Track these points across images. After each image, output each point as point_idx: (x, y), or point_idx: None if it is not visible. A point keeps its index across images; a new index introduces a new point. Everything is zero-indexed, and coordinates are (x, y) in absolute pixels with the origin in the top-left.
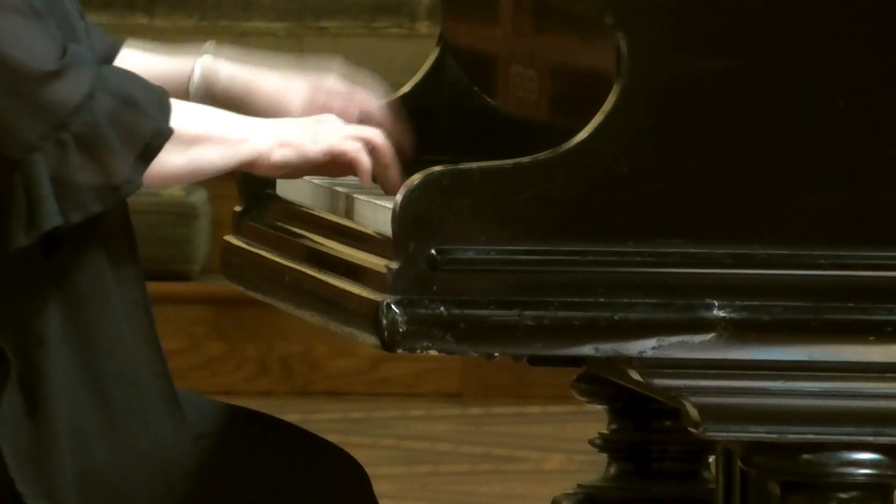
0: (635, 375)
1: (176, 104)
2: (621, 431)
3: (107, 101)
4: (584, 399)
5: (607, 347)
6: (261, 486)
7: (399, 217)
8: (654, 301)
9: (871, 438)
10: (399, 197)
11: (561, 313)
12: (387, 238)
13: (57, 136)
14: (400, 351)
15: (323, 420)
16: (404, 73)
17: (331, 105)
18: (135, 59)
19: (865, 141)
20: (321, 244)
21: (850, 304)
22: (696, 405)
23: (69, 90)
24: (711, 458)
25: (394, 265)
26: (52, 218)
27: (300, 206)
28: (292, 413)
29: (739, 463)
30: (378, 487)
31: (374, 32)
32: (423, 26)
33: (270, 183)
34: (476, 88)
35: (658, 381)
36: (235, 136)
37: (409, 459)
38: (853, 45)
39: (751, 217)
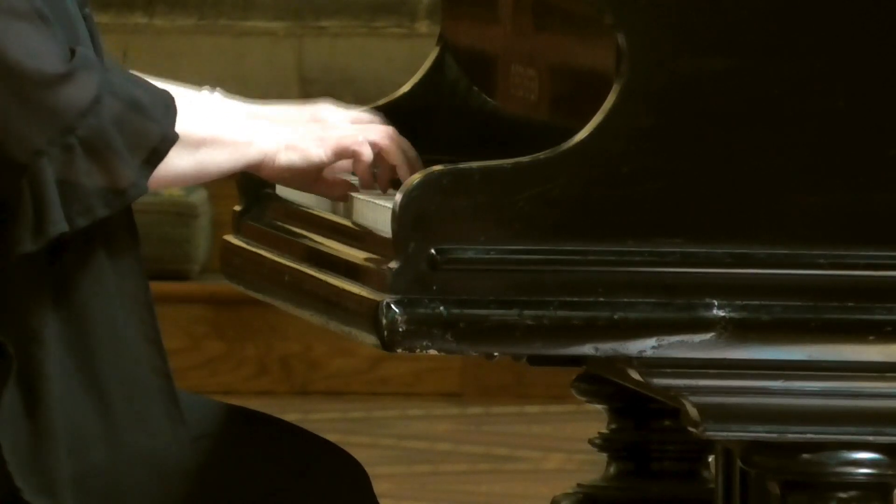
0: (635, 375)
1: (182, 107)
2: (621, 431)
3: (114, 106)
4: (583, 399)
5: (607, 347)
6: (261, 486)
7: (399, 217)
8: (653, 301)
9: (870, 438)
10: (399, 197)
11: (561, 313)
12: (386, 238)
13: (64, 141)
14: (399, 350)
15: (322, 420)
16: (404, 72)
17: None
18: None
19: (865, 141)
20: (321, 244)
21: (850, 304)
22: (695, 405)
23: (76, 94)
24: (711, 458)
25: (393, 265)
26: (59, 225)
27: (300, 205)
28: (292, 413)
29: (739, 462)
30: (378, 487)
31: (374, 32)
32: (423, 26)
33: (270, 182)
34: (476, 88)
35: (658, 381)
36: (241, 139)
37: (408, 459)
38: (853, 45)
39: (750, 217)
